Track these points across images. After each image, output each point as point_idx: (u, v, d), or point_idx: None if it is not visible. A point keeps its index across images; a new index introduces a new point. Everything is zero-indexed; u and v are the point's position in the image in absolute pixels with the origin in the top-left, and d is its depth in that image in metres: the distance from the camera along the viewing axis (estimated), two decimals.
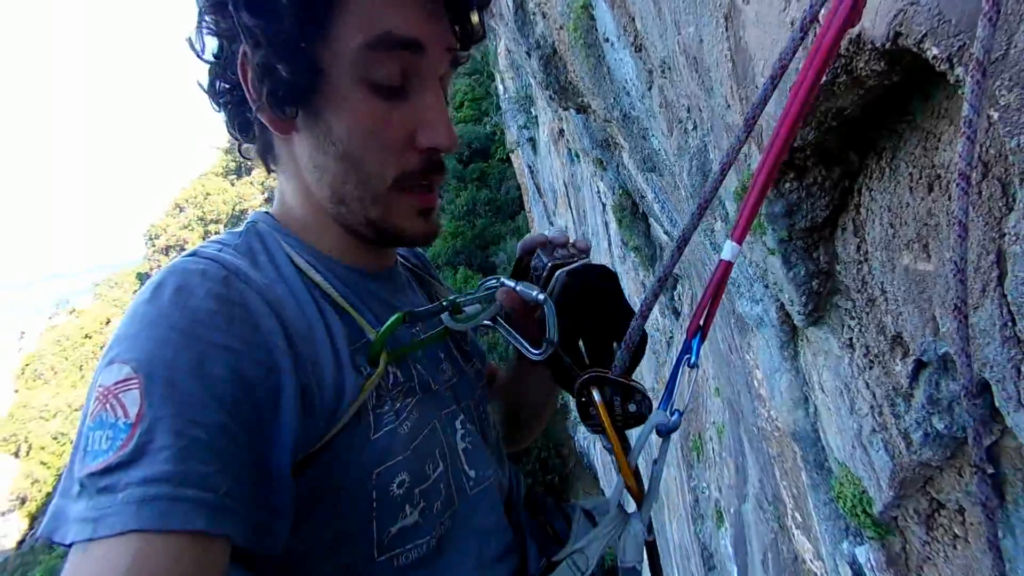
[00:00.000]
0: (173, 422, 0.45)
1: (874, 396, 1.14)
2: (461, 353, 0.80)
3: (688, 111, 1.77)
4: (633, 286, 4.47)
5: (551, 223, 8.52)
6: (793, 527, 1.95)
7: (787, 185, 1.30)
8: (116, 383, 0.46)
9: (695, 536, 3.30)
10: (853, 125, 1.10)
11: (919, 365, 1.03)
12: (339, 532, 0.56)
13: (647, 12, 1.89)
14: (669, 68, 1.89)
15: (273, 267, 0.61)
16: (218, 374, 0.48)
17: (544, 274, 0.75)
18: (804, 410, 1.47)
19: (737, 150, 0.72)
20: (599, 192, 4.32)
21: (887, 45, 0.80)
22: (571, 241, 0.80)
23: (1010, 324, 0.77)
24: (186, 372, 0.47)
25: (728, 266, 0.65)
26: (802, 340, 1.40)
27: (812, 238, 1.25)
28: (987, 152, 0.86)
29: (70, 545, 0.42)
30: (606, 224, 4.73)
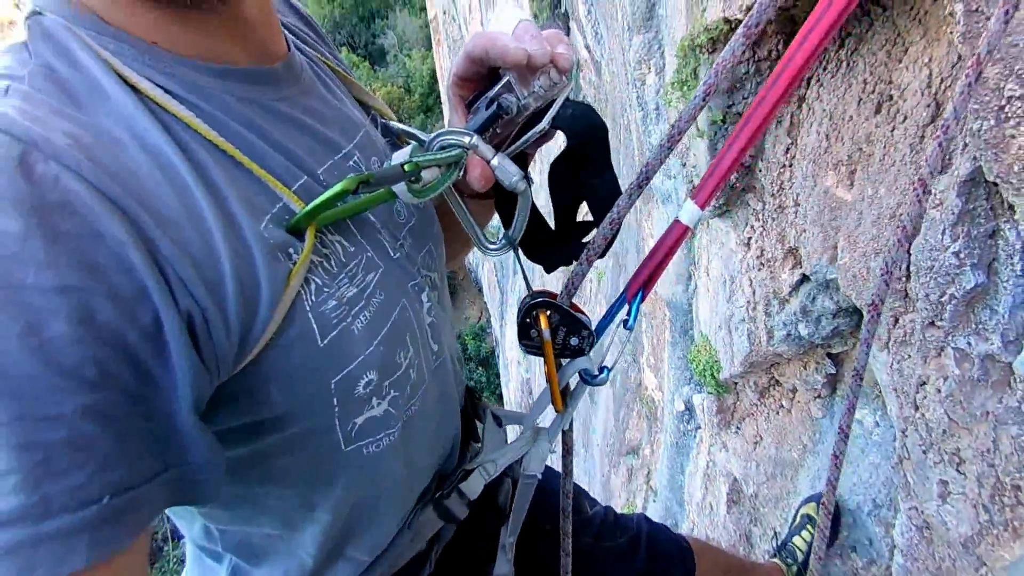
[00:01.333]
0: (15, 430, 0.32)
1: (754, 294, 1.22)
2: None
3: None
4: None
5: None
6: (644, 365, 2.25)
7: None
8: None
9: None
10: None
11: (803, 279, 1.09)
12: (296, 434, 0.47)
13: None
14: None
15: (97, 97, 0.39)
16: (59, 333, 0.32)
17: (520, 121, 0.54)
18: (685, 286, 1.56)
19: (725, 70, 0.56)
20: None
21: None
22: (552, 55, 0.52)
23: (904, 279, 0.80)
24: (15, 347, 0.31)
25: (685, 231, 0.56)
26: (701, 225, 1.42)
27: None
28: (941, 88, 0.81)
29: None
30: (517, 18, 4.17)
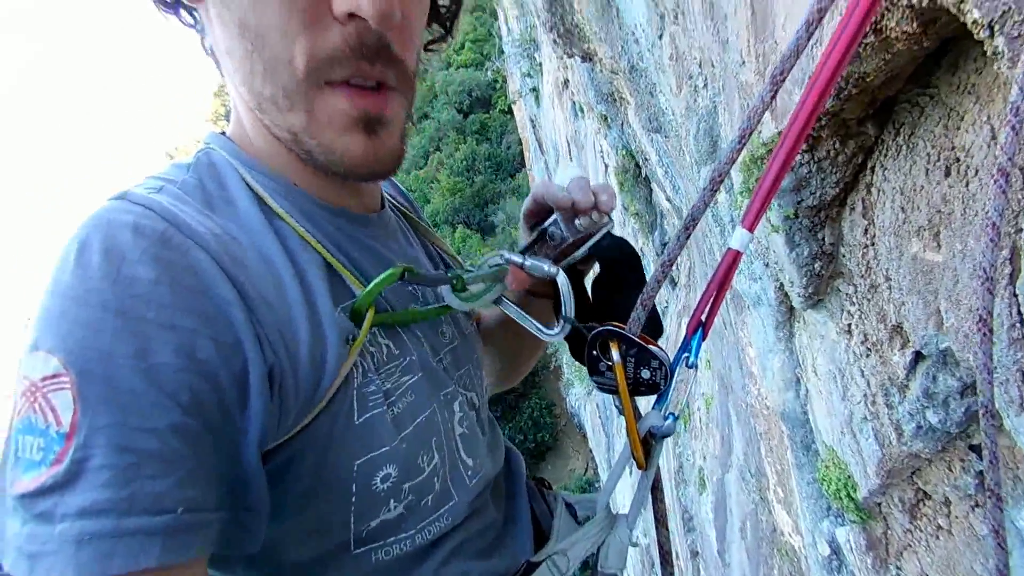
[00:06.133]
0: (114, 433, 0.37)
1: (868, 384, 1.11)
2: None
3: (699, 66, 1.66)
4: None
5: None
6: (774, 501, 1.97)
7: (797, 158, 1.23)
8: (44, 379, 0.37)
9: (677, 499, 3.37)
10: (874, 94, 1.02)
11: (917, 357, 0.99)
12: (312, 523, 0.50)
13: None
14: (682, 14, 1.77)
15: (230, 209, 0.49)
16: (166, 361, 0.39)
17: (563, 247, 0.68)
18: (795, 392, 1.44)
19: (760, 114, 0.63)
20: (602, 152, 4.18)
21: (924, 2, 0.73)
22: (596, 203, 0.65)
23: (1019, 325, 0.72)
24: (127, 365, 0.38)
25: (737, 256, 0.58)
26: (799, 322, 1.36)
27: (819, 217, 1.19)
28: None
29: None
30: None
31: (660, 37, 2.06)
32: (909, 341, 0.99)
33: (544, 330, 0.63)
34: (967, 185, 0.86)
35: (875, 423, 1.11)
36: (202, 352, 0.40)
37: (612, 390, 0.61)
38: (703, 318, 0.62)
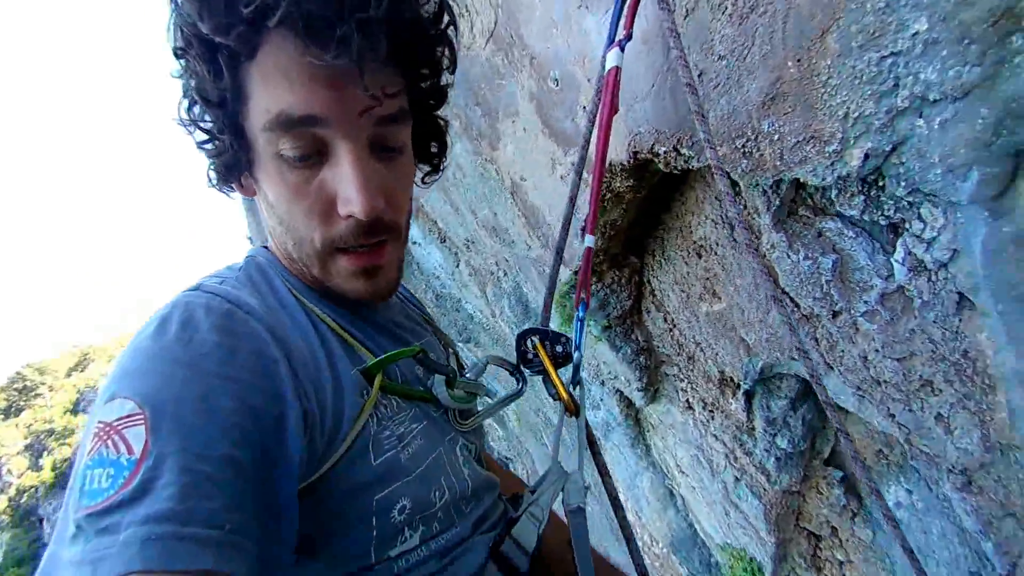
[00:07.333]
0: (179, 457, 0.44)
1: (724, 444, 1.21)
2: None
3: (497, 264, 2.00)
4: None
5: None
6: None
7: (594, 287, 1.51)
8: (119, 419, 0.45)
9: None
10: (627, 234, 1.38)
11: (748, 396, 1.15)
12: (335, 553, 0.56)
13: (445, 213, 2.23)
14: (473, 242, 2.17)
15: (273, 295, 0.63)
16: (224, 405, 0.47)
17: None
18: (674, 506, 1.45)
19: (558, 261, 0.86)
20: None
21: (631, 162, 1.09)
22: None
23: (795, 308, 0.94)
24: (192, 405, 0.46)
25: (589, 251, 0.80)
26: (648, 430, 1.46)
27: (627, 323, 1.41)
28: (723, 211, 1.15)
29: None
30: None
31: (457, 266, 2.46)
32: (735, 382, 1.16)
33: (514, 392, 0.81)
34: (716, 252, 1.17)
35: (746, 478, 1.19)
36: (253, 400, 0.49)
37: (541, 370, 0.80)
38: (583, 295, 0.77)
